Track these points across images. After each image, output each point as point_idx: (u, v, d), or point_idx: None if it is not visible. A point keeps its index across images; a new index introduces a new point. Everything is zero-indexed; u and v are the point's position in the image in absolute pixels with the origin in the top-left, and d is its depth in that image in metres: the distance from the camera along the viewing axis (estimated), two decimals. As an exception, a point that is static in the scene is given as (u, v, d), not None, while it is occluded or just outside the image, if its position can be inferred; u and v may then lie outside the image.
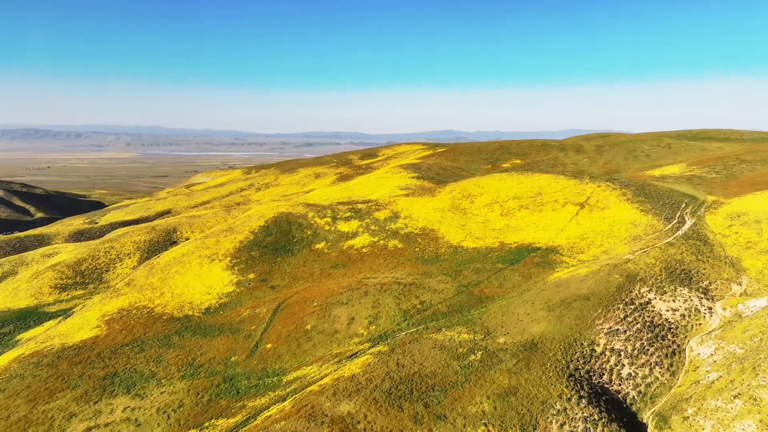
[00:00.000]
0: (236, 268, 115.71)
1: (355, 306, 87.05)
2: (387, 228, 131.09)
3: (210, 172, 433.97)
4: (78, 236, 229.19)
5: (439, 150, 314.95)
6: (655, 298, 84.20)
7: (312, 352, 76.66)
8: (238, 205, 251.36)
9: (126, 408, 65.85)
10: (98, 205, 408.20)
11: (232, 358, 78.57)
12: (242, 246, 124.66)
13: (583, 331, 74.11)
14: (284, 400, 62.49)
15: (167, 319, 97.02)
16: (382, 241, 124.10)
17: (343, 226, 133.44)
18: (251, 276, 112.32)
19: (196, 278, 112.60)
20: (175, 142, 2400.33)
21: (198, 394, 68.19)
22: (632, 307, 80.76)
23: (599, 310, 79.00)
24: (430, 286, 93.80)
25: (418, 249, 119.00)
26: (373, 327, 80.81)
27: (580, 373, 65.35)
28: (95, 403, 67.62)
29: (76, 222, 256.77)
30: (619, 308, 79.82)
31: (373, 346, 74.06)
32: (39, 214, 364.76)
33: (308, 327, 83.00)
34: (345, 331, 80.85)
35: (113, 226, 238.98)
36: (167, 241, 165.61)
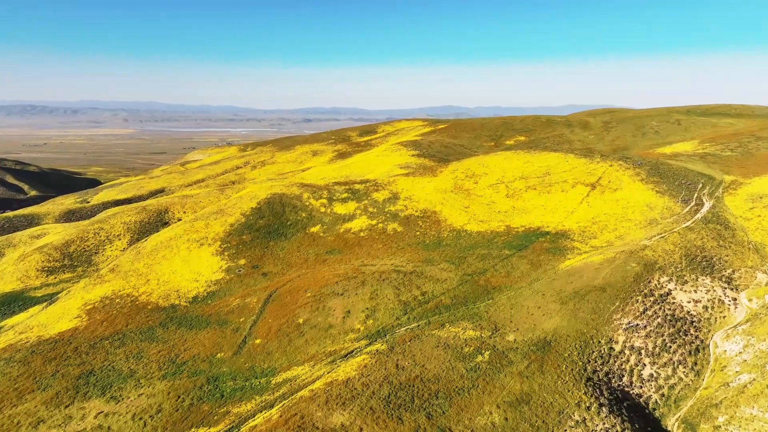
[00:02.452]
0: (226, 253, 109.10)
1: (351, 297, 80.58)
2: (386, 210, 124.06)
3: (206, 149, 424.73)
4: (69, 216, 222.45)
5: (440, 126, 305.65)
6: (676, 288, 77.85)
7: (304, 349, 70.45)
8: (233, 183, 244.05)
9: (99, 413, 59.94)
10: (94, 183, 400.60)
11: (218, 354, 72.50)
12: (233, 229, 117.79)
13: (599, 326, 67.89)
14: (272, 406, 56.49)
15: (152, 308, 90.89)
16: (380, 225, 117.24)
17: (339, 208, 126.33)
18: (242, 262, 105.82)
19: (184, 264, 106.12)
20: (173, 118, 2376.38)
21: (179, 397, 62.26)
22: (652, 299, 74.38)
23: (617, 303, 72.67)
24: (432, 275, 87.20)
25: (419, 233, 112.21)
26: (371, 321, 74.39)
27: (598, 376, 59.27)
28: (66, 407, 61.72)
29: (68, 201, 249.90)
30: (637, 300, 73.45)
31: (370, 344, 67.76)
32: (33, 192, 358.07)
33: (300, 320, 76.70)
34: (340, 325, 74.47)
35: (105, 206, 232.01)
36: (158, 221, 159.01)
